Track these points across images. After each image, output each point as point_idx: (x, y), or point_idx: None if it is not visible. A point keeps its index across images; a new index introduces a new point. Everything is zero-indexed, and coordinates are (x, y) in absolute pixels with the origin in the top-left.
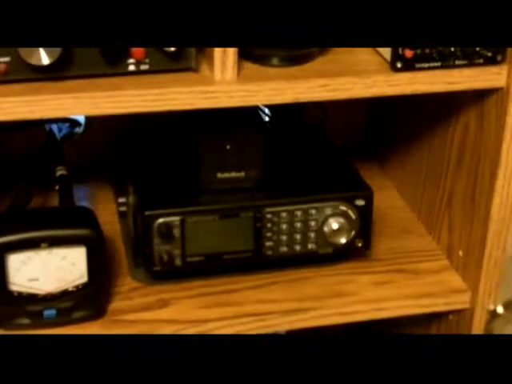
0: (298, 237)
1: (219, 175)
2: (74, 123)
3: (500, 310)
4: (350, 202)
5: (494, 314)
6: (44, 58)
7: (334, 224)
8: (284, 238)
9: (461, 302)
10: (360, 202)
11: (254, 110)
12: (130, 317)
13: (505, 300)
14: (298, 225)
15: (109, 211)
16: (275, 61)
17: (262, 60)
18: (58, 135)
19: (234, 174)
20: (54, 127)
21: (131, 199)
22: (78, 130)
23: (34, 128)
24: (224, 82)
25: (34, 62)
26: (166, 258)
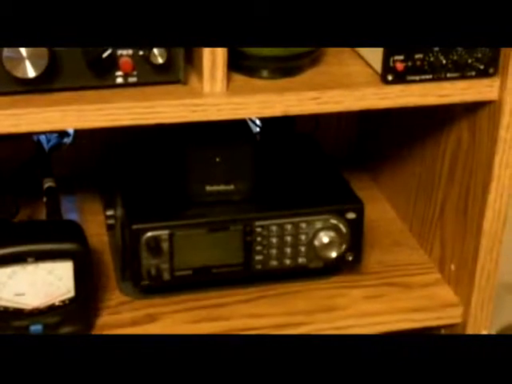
0: (288, 250)
1: (208, 188)
2: (62, 134)
3: None
4: (340, 215)
5: None
6: (30, 70)
7: (325, 238)
8: (274, 251)
9: (453, 316)
10: (351, 216)
11: (243, 122)
12: (118, 332)
13: (499, 327)
14: (288, 238)
15: (97, 223)
16: (265, 73)
17: (251, 72)
18: (46, 146)
19: (223, 187)
20: (43, 138)
21: (119, 212)
22: (67, 140)
23: (22, 139)
24: (213, 95)
25: (19, 74)
26: (154, 272)
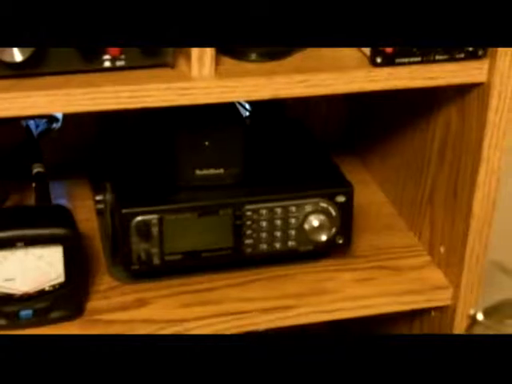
0: (278, 234)
1: (198, 172)
2: (51, 119)
3: (480, 316)
4: (330, 198)
5: (474, 321)
6: (17, 54)
7: (315, 221)
8: (264, 235)
9: (443, 298)
10: (340, 199)
11: (232, 106)
12: (108, 316)
13: (485, 307)
14: (278, 222)
15: (86, 208)
16: (254, 56)
17: (240, 55)
18: (35, 131)
19: (212, 171)
20: (31, 123)
21: (109, 197)
22: (56, 125)
23: (11, 124)
24: (201, 78)
25: (6, 58)
26: (144, 256)
